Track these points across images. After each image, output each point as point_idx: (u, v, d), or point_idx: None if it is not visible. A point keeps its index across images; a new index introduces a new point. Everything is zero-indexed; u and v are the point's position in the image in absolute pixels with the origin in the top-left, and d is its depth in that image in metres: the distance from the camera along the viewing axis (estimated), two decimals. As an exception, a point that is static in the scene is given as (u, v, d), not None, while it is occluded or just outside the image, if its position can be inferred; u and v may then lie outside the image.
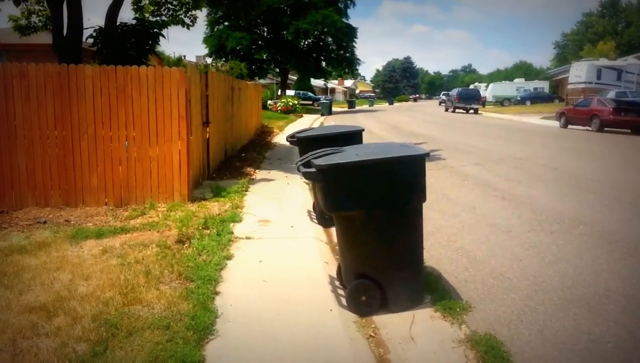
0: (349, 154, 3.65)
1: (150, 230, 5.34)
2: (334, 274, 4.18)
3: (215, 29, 37.89)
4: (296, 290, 3.87)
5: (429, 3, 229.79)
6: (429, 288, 3.83)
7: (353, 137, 5.89)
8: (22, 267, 4.23)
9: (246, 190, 7.54)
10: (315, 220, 6.04)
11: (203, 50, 39.78)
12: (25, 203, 6.50)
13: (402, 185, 3.51)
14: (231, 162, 10.29)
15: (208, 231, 5.42)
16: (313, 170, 3.48)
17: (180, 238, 5.08)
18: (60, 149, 6.54)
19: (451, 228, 5.55)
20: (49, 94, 6.47)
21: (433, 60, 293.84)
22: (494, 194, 7.35)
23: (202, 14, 36.65)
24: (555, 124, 22.55)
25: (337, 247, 5.31)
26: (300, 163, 3.81)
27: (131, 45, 11.17)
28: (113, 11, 10.79)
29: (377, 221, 3.49)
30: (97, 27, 10.69)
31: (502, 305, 3.66)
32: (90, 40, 10.77)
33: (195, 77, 7.65)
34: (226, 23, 37.31)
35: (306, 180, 4.75)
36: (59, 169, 6.56)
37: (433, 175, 8.17)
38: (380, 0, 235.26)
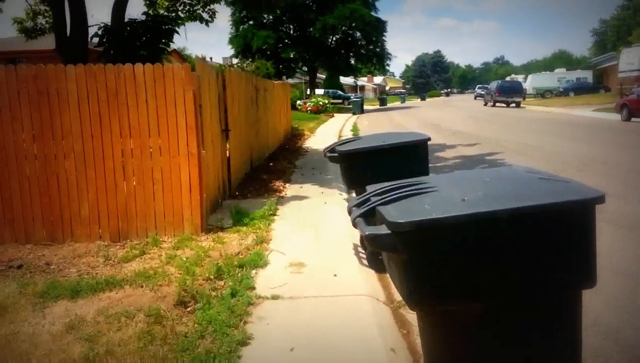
0: (443, 196, 2.00)
1: (142, 286, 3.90)
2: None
3: (240, 29, 36.75)
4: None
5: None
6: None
7: (416, 150, 4.20)
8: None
9: (274, 214, 6.06)
10: (366, 261, 4.51)
11: (230, 51, 38.71)
12: (1, 240, 5.23)
13: (556, 257, 1.88)
14: (257, 175, 8.84)
15: (222, 282, 3.99)
16: (386, 232, 1.86)
17: (182, 298, 3.64)
18: (42, 170, 5.23)
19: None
20: (25, 103, 5.16)
21: (462, 54, 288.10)
22: (601, 218, 5.53)
23: (226, 14, 35.62)
24: (613, 116, 20.39)
25: (401, 310, 3.80)
26: (357, 212, 2.13)
27: (142, 44, 9.86)
28: (120, 6, 9.52)
29: (505, 321, 1.91)
30: (102, 25, 9.44)
31: None
32: (96, 40, 9.54)
33: (208, 77, 6.19)
34: (251, 22, 36.15)
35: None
36: (42, 196, 5.25)
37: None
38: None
